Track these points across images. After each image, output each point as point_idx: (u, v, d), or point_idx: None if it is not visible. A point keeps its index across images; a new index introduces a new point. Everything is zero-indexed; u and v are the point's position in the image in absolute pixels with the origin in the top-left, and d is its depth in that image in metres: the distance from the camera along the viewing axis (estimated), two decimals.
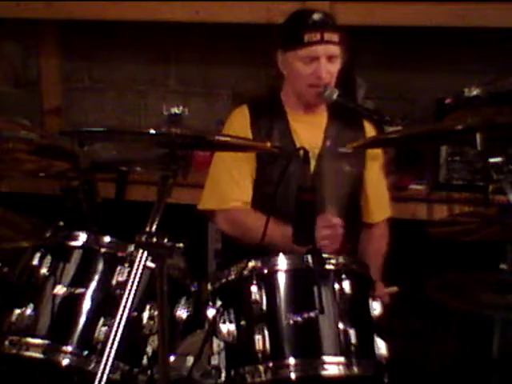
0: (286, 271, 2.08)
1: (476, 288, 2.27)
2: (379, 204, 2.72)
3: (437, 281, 2.30)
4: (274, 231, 2.23)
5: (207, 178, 2.63)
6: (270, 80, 2.72)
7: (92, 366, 2.03)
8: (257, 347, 1.99)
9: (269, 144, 2.35)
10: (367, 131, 2.65)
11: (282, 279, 2.08)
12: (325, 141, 2.59)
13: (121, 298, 1.69)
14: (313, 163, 2.51)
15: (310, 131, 2.59)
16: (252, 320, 2.03)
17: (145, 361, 2.11)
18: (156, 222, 1.74)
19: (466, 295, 2.24)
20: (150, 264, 1.79)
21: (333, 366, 1.97)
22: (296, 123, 2.59)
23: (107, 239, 2.16)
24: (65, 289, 2.11)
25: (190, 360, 2.14)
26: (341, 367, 1.97)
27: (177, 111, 3.08)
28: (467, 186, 3.19)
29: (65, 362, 2.03)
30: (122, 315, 1.67)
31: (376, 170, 2.70)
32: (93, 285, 2.12)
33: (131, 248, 2.11)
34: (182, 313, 2.15)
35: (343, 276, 2.06)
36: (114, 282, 2.10)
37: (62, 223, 2.23)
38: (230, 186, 2.55)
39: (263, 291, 2.05)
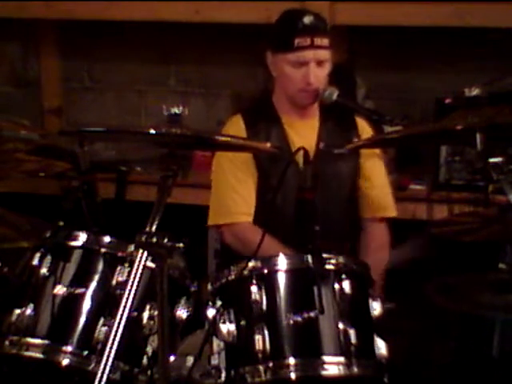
0: (286, 271, 2.08)
1: (475, 288, 2.27)
2: (380, 199, 2.67)
3: (436, 283, 2.30)
4: (273, 251, 2.23)
5: (211, 192, 2.60)
6: (263, 81, 2.71)
7: (92, 366, 2.02)
8: (257, 347, 1.99)
9: (269, 144, 2.35)
10: (360, 129, 2.63)
11: (282, 279, 2.07)
12: (318, 142, 2.58)
13: (121, 298, 1.69)
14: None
15: (304, 134, 2.58)
16: (252, 320, 2.03)
17: (145, 361, 2.11)
18: (156, 222, 1.74)
19: (466, 296, 2.24)
20: (150, 264, 1.79)
21: (333, 366, 1.96)
22: (291, 128, 2.58)
23: (107, 239, 2.16)
24: (65, 289, 2.10)
25: (190, 360, 2.14)
26: (341, 367, 1.96)
27: (177, 111, 3.09)
28: (467, 186, 3.18)
29: (65, 362, 2.03)
30: (122, 315, 1.67)
31: (373, 166, 2.67)
32: (93, 285, 2.12)
33: (131, 248, 2.10)
34: (182, 313, 2.15)
35: (343, 276, 2.06)
36: (114, 282, 2.09)
37: (62, 223, 2.23)
38: (234, 199, 2.53)
39: (263, 291, 2.04)
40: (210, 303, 2.10)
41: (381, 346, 2.06)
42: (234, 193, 2.54)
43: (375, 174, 2.67)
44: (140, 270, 1.71)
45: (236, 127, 2.58)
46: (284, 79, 2.53)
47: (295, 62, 2.46)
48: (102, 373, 1.64)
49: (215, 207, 2.59)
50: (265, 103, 2.65)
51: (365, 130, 2.64)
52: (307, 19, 2.46)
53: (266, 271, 2.08)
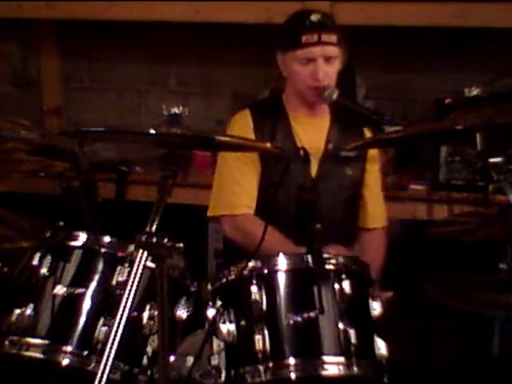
0: (286, 271, 2.08)
1: (475, 288, 2.27)
2: (377, 209, 2.71)
3: (435, 282, 2.30)
4: (275, 244, 2.23)
5: (213, 184, 2.62)
6: (271, 81, 2.72)
7: (92, 365, 2.02)
8: (257, 347, 1.99)
9: (269, 144, 2.35)
10: (366, 138, 2.65)
11: (282, 279, 2.07)
12: (327, 144, 2.59)
13: (121, 298, 1.69)
14: (315, 166, 2.52)
15: (312, 133, 2.60)
16: (252, 320, 2.03)
17: (145, 361, 2.11)
18: (156, 222, 1.74)
19: (466, 295, 2.24)
20: (150, 264, 1.79)
21: (333, 366, 1.96)
22: (298, 125, 2.59)
23: (107, 239, 2.16)
24: (65, 289, 2.10)
25: (190, 360, 2.14)
26: (341, 367, 1.97)
27: (177, 111, 3.09)
28: (467, 186, 3.19)
29: (65, 362, 2.03)
30: (122, 315, 1.67)
31: (375, 174, 2.70)
32: (93, 285, 2.12)
33: (131, 248, 2.10)
34: (181, 313, 2.15)
35: (343, 276, 2.06)
36: (114, 282, 2.09)
37: (62, 223, 2.23)
38: (236, 192, 2.55)
39: (263, 291, 2.05)
40: (210, 303, 2.11)
41: (381, 346, 2.06)
42: (236, 185, 2.55)
43: (374, 184, 2.70)
44: (140, 270, 1.70)
45: (243, 121, 2.60)
46: (294, 77, 2.54)
47: (303, 59, 2.47)
48: (102, 373, 1.64)
49: (216, 198, 2.60)
50: (273, 100, 2.67)
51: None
52: (314, 17, 2.48)
53: (266, 271, 2.08)
